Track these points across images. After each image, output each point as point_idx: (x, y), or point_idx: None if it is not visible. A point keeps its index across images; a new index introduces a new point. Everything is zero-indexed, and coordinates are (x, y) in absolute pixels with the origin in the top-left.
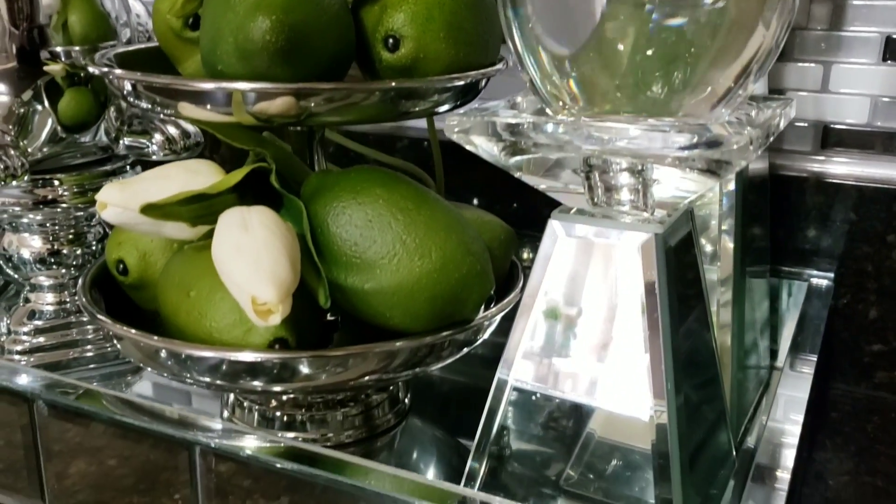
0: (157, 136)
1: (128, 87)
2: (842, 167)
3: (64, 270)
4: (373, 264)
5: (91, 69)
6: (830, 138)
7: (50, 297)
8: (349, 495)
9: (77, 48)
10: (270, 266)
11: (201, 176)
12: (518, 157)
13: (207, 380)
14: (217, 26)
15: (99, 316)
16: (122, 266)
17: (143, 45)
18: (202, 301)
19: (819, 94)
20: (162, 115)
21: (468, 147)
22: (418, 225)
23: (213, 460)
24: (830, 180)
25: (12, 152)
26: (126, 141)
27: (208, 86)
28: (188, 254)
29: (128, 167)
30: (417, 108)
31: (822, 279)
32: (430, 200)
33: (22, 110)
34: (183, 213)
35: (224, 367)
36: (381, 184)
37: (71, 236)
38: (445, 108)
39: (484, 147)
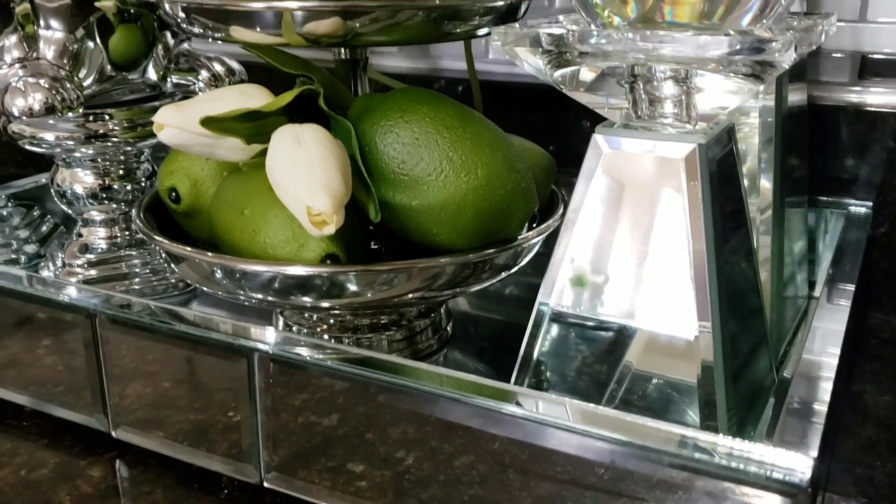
0: (204, 74)
1: (180, 13)
2: (880, 97)
3: (115, 206)
4: (420, 181)
5: None
6: (868, 68)
7: (101, 232)
8: (411, 396)
9: None
10: (324, 177)
11: (253, 98)
12: (563, 70)
13: (259, 296)
14: None
15: (156, 237)
16: (174, 194)
17: None
18: (256, 218)
19: (857, 23)
20: (212, 39)
21: (514, 60)
22: (464, 142)
23: (270, 366)
24: (869, 109)
25: (68, 85)
26: (173, 79)
27: (259, 6)
28: (241, 175)
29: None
30: (458, 30)
31: (860, 208)
32: (475, 119)
33: (75, 46)
34: (239, 129)
35: (276, 283)
36: (426, 102)
37: (121, 172)
38: (485, 31)
39: (529, 60)
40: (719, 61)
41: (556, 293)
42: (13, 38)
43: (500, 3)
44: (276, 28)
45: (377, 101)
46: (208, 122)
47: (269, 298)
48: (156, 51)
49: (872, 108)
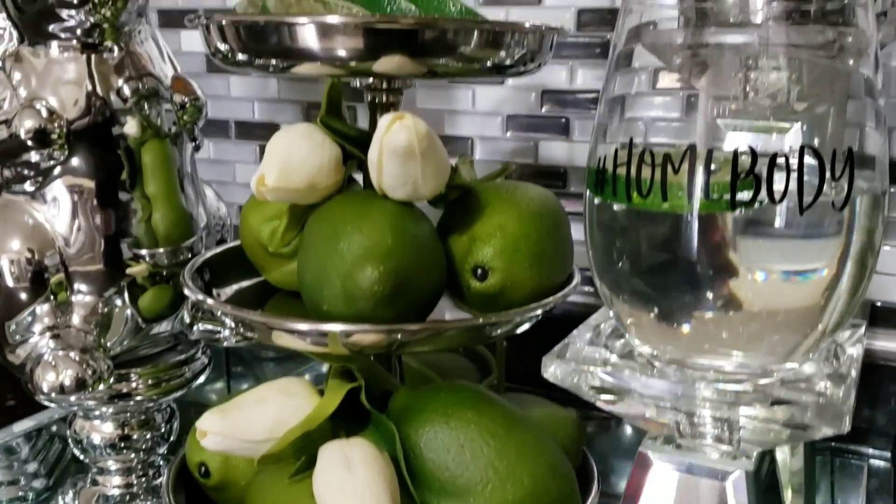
0: (230, 322)
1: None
2: (890, 344)
3: (133, 455)
4: (466, 491)
5: (187, 292)
6: (878, 316)
7: (117, 480)
8: None
9: (161, 250)
10: None
11: (297, 397)
12: (607, 396)
13: None
14: (323, 269)
15: None
16: (203, 469)
17: (225, 247)
18: None
19: None
20: (250, 340)
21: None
22: (509, 450)
23: None
24: (881, 360)
25: (97, 354)
26: (199, 326)
27: (305, 327)
28: (280, 475)
29: (199, 353)
30: (498, 332)
31: (879, 460)
32: (520, 423)
33: (106, 309)
34: (290, 451)
35: None
36: (471, 406)
37: (142, 419)
38: (525, 326)
39: (573, 387)
40: (761, 411)
41: None
42: (45, 307)
43: (538, 312)
44: (320, 337)
45: (421, 401)
46: (264, 462)
47: None
48: (186, 304)
49: (882, 359)
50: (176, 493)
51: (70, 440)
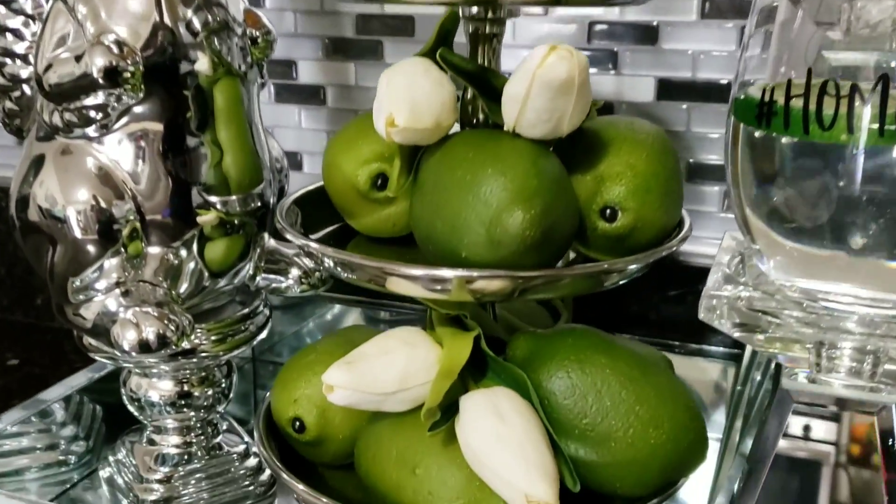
0: (294, 272)
1: (329, 262)
2: None
3: (192, 413)
4: (606, 437)
5: (289, 236)
6: None
7: (175, 439)
8: None
9: (233, 197)
10: (538, 460)
11: (419, 348)
12: (752, 334)
13: None
14: (461, 217)
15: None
16: (298, 423)
17: (311, 188)
18: (431, 480)
19: None
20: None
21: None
22: (648, 395)
23: None
24: None
25: (175, 308)
26: (261, 278)
27: (419, 272)
28: (399, 423)
29: (262, 305)
30: (615, 278)
31: None
32: (651, 366)
33: (176, 261)
34: (443, 403)
35: None
36: (602, 351)
37: (201, 377)
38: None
39: (723, 324)
40: None
41: None
42: (115, 261)
43: (658, 257)
44: (431, 284)
45: (548, 347)
46: (429, 416)
47: None
48: (253, 253)
49: None
50: (270, 448)
51: (125, 398)
